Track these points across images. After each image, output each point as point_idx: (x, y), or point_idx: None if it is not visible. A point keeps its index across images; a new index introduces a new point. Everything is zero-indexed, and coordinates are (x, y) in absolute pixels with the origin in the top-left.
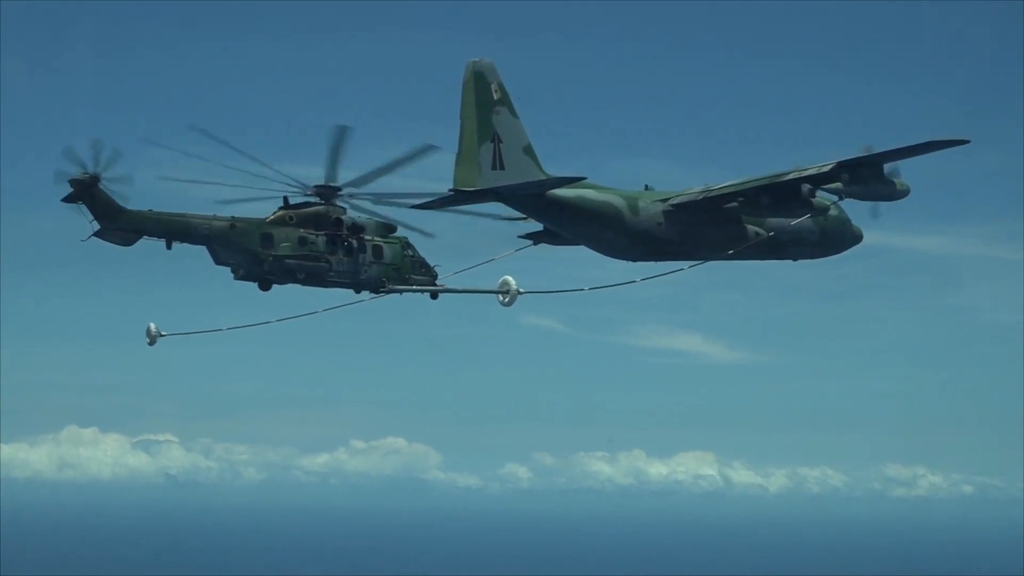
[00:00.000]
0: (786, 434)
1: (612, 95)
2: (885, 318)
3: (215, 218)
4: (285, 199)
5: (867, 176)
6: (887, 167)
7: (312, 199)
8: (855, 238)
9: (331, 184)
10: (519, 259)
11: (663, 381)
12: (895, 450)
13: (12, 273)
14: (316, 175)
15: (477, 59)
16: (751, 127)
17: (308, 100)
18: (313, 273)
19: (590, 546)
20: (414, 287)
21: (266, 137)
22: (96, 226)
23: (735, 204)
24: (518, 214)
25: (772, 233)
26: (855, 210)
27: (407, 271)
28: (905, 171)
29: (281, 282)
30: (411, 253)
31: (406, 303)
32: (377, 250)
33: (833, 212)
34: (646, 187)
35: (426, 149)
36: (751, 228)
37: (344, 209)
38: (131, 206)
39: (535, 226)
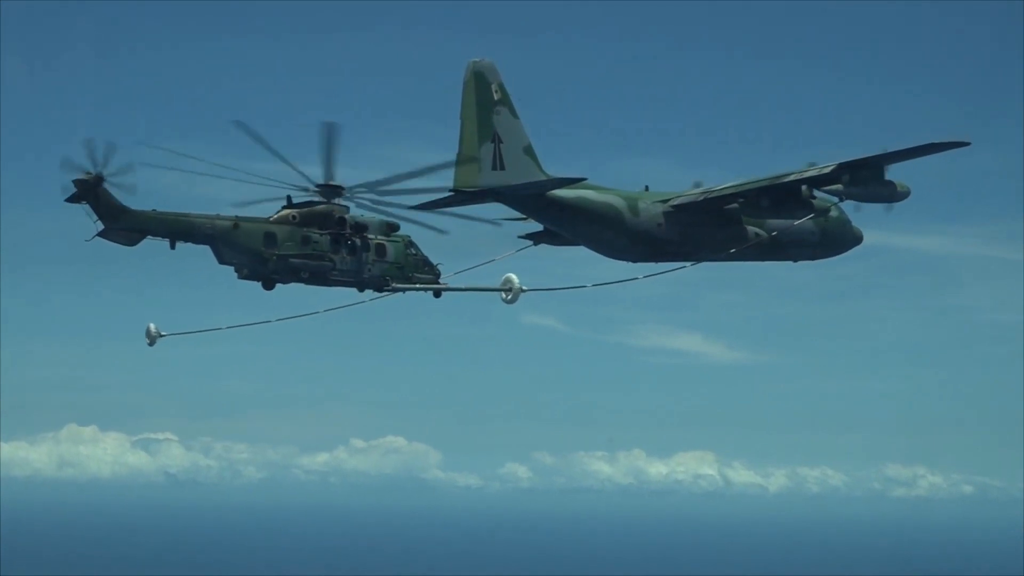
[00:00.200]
0: (786, 434)
1: (612, 95)
2: (885, 318)
3: (218, 217)
4: (288, 198)
5: (867, 178)
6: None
7: (315, 198)
8: (855, 239)
9: (333, 183)
10: (519, 259)
11: (663, 381)
12: (895, 450)
13: (12, 271)
14: (315, 175)
15: (477, 59)
16: (751, 127)
17: (308, 100)
18: (317, 272)
19: (590, 546)
20: (418, 286)
21: (266, 137)
22: (100, 226)
23: (735, 205)
24: (518, 214)
25: (774, 233)
26: (863, 211)
27: (410, 270)
28: (905, 172)
29: (285, 281)
30: (414, 252)
31: (406, 303)
32: (380, 249)
33: (834, 213)
34: (646, 188)
35: (446, 165)
36: (751, 229)
37: (347, 208)
38: (135, 206)
39: (535, 226)
